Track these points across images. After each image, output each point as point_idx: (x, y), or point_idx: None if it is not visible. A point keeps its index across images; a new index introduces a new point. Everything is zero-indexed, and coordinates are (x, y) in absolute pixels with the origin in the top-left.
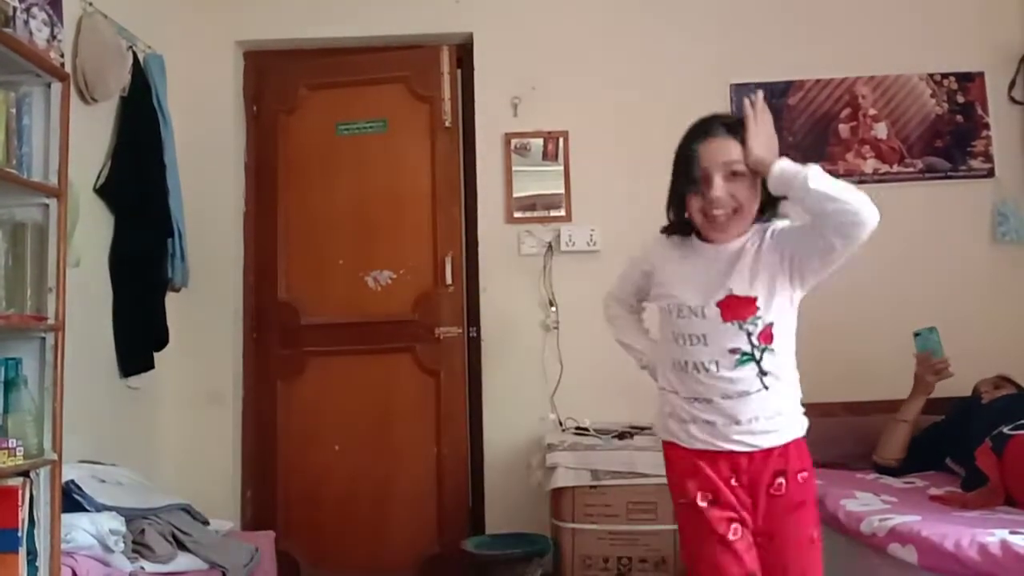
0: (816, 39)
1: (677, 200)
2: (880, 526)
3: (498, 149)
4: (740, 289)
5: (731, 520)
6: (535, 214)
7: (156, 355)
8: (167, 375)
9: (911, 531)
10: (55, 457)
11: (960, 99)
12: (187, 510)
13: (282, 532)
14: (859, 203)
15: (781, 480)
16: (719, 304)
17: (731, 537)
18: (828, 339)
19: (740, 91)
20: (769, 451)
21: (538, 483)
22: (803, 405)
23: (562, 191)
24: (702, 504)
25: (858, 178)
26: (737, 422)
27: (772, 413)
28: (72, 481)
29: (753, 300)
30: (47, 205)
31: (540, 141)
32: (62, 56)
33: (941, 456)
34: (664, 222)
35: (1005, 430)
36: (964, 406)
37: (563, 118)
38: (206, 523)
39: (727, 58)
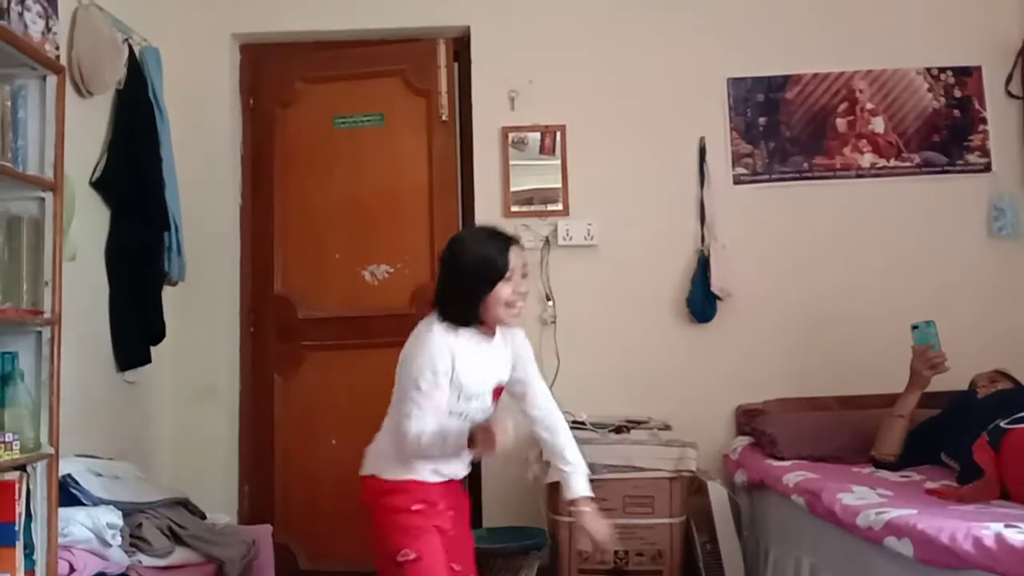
0: (813, 33)
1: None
2: (876, 520)
3: (495, 143)
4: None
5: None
6: (532, 208)
7: (153, 349)
8: (164, 369)
9: (907, 524)
10: (52, 451)
11: (957, 93)
12: (184, 504)
13: (279, 526)
14: None
15: None
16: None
17: None
18: (824, 333)
19: (737, 85)
20: None
21: (535, 477)
22: (798, 399)
23: (559, 185)
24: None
25: (855, 172)
26: None
27: None
28: (69, 475)
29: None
30: (43, 199)
31: (537, 135)
32: (57, 49)
33: (937, 450)
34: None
35: (1002, 424)
36: (960, 400)
37: (560, 112)
38: (203, 517)
39: (724, 52)
